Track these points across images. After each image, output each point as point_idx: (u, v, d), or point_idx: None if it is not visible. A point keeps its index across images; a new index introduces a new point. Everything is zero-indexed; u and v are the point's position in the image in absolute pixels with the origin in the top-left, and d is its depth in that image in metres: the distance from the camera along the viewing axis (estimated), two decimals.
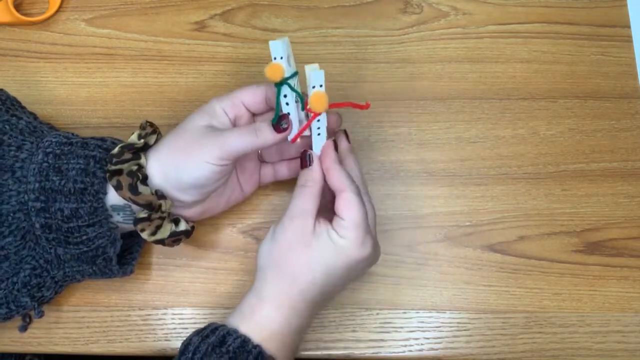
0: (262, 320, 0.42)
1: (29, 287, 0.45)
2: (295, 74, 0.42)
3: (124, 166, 0.42)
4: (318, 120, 0.43)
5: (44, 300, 0.47)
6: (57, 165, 0.43)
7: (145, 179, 0.43)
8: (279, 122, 0.43)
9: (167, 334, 0.51)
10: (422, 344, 0.51)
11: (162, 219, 0.44)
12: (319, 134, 0.44)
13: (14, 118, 0.46)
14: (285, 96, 0.43)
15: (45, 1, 0.59)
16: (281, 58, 0.40)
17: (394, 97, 0.57)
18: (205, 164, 0.42)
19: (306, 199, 0.43)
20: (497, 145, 0.55)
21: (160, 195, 0.43)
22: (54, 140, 0.44)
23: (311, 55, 0.58)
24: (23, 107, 0.50)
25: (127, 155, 0.43)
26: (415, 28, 0.59)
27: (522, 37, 0.58)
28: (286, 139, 0.44)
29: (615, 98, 0.57)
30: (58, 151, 0.43)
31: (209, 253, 0.53)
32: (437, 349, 0.51)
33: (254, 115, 0.47)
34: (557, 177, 0.54)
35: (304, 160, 0.45)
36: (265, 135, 0.43)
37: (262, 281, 0.43)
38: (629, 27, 0.58)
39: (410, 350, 0.51)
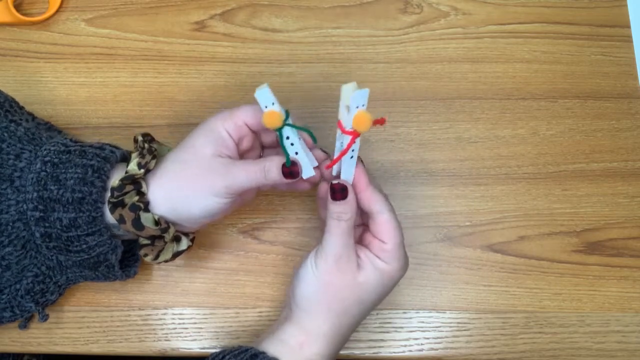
0: (313, 357, 0.43)
1: (32, 294, 0.45)
2: (287, 112, 0.41)
3: (126, 197, 0.42)
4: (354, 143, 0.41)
5: (48, 304, 0.48)
6: (55, 175, 0.42)
7: (147, 205, 0.43)
8: (291, 168, 0.43)
9: (167, 334, 0.51)
10: (422, 344, 0.51)
11: (165, 243, 0.44)
12: (351, 157, 0.42)
13: (12, 124, 0.46)
14: (288, 138, 0.42)
15: (45, 1, 0.59)
16: (272, 104, 0.40)
17: (394, 97, 0.57)
18: (214, 198, 0.43)
19: (346, 234, 0.42)
20: (497, 145, 0.55)
21: (163, 227, 0.43)
22: (52, 148, 0.44)
23: (311, 55, 0.58)
24: (21, 108, 0.50)
25: (129, 188, 0.43)
26: (415, 28, 0.59)
27: (522, 37, 0.58)
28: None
29: (615, 98, 0.57)
30: (56, 160, 0.43)
31: (209, 253, 0.53)
32: (437, 349, 0.51)
33: (255, 134, 0.46)
34: (557, 177, 0.54)
35: (338, 193, 0.43)
36: (273, 177, 0.43)
37: (309, 316, 0.43)
38: (629, 27, 0.58)
39: (410, 350, 0.51)
